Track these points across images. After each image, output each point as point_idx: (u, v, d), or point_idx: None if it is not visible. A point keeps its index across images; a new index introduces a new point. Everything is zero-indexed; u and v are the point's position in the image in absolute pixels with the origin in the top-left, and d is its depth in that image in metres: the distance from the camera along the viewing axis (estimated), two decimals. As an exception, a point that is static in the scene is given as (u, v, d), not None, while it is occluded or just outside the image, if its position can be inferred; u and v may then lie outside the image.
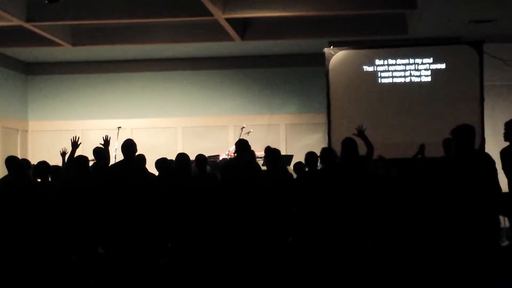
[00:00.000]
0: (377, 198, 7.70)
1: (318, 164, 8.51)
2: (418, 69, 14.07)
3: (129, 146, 7.90)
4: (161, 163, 8.88)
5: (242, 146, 8.36)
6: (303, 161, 8.69)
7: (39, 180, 8.46)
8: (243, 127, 13.26)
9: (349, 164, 7.73)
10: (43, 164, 8.48)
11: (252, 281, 7.30)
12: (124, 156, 7.96)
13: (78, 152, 8.68)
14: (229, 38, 13.82)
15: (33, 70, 16.65)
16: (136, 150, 7.98)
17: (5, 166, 8.54)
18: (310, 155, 8.44)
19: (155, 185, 8.10)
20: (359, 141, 7.91)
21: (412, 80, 14.08)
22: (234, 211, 7.84)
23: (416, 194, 8.03)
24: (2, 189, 8.23)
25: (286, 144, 15.59)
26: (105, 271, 7.75)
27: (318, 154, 8.35)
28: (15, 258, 7.75)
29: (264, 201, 7.87)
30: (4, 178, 8.87)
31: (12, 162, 8.61)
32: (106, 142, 8.30)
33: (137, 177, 7.84)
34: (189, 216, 8.05)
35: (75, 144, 8.62)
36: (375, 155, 8.18)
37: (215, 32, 13.68)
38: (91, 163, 9.30)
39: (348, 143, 7.77)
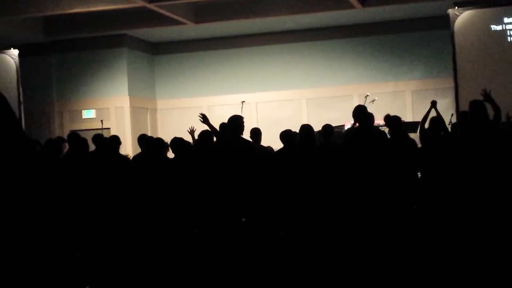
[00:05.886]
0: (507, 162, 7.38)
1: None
2: (552, 24, 13.33)
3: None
4: (285, 135, 8.87)
5: (358, 111, 8.19)
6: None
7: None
8: (367, 95, 13.07)
9: (478, 129, 7.45)
10: (178, 140, 8.71)
11: (376, 250, 7.20)
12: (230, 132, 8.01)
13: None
14: (349, 6, 13.63)
15: (159, 50, 17.13)
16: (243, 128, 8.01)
17: (137, 144, 8.98)
18: (434, 120, 8.21)
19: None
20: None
21: (545, 37, 13.36)
22: (355, 180, 7.72)
23: None
24: (135, 166, 8.63)
25: (412, 111, 15.25)
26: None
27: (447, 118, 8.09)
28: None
29: (384, 169, 7.72)
30: (137, 155, 9.35)
31: (143, 139, 9.07)
32: (204, 118, 8.31)
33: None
34: (311, 187, 8.02)
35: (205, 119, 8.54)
36: (504, 114, 7.84)
37: (335, 0, 13.55)
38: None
39: (475, 106, 7.50)
